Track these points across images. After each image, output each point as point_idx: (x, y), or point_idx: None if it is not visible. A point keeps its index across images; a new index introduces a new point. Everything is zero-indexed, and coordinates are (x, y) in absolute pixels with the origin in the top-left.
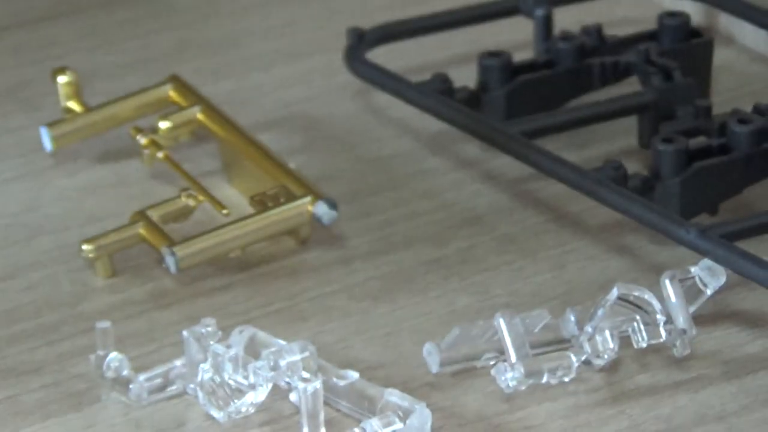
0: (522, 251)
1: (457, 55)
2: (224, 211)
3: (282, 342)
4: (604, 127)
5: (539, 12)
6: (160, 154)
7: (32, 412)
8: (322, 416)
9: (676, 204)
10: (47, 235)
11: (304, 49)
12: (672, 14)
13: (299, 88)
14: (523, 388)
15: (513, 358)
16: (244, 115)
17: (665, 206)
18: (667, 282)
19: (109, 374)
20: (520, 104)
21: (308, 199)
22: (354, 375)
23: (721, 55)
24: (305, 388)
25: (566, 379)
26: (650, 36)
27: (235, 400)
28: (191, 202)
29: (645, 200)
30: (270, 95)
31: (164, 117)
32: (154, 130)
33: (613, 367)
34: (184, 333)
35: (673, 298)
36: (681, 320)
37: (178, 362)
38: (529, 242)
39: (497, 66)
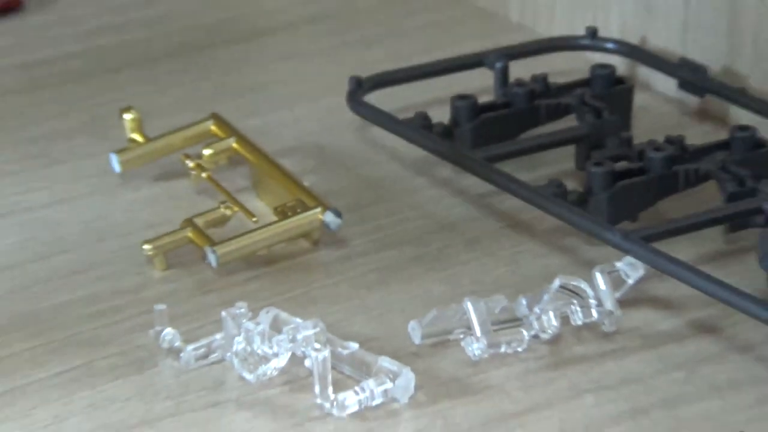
0: (485, 250)
1: (434, 98)
2: (253, 219)
3: (298, 320)
4: (549, 154)
5: (498, 65)
6: (204, 175)
7: (105, 374)
8: (330, 378)
9: (605, 213)
10: (116, 238)
11: (316, 93)
12: (602, 66)
13: (312, 124)
14: (486, 356)
15: (478, 332)
16: (269, 144)
17: (596, 215)
18: (598, 274)
19: (165, 345)
20: (484, 136)
21: (319, 209)
22: (354, 346)
23: (640, 98)
24: (317, 356)
25: (519, 350)
26: (585, 83)
27: (263, 366)
28: (228, 212)
29: (580, 210)
30: (289, 129)
31: (207, 146)
32: (200, 156)
33: (555, 340)
34: (223, 313)
35: (602, 287)
36: (609, 304)
37: (218, 336)
38: (490, 243)
39: (466, 106)
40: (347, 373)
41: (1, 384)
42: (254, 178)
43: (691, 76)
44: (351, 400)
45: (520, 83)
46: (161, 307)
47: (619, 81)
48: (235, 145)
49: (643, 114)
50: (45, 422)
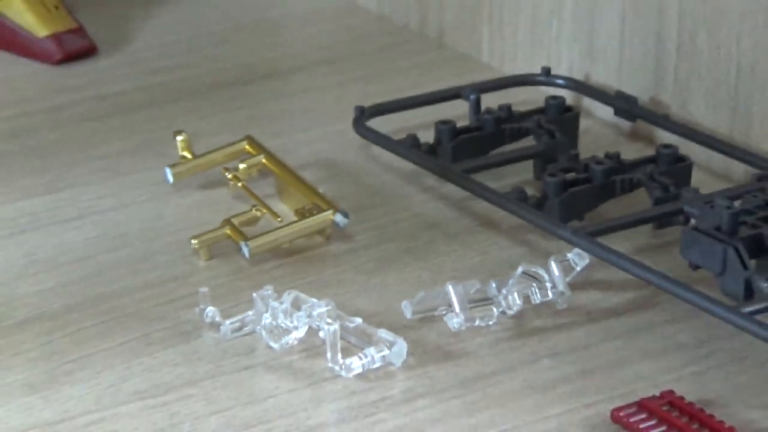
0: (463, 243)
1: (422, 123)
2: (278, 219)
3: (314, 300)
4: (513, 167)
5: (472, 96)
6: (239, 184)
7: (158, 344)
8: (339, 346)
9: (558, 214)
10: (169, 235)
11: (328, 119)
12: (554, 97)
13: (325, 143)
14: (464, 328)
15: (457, 309)
16: (291, 159)
17: (551, 216)
18: (553, 262)
19: (207, 320)
20: (461, 153)
21: (330, 211)
22: (359, 320)
23: (584, 123)
24: (328, 329)
25: (490, 323)
26: (540, 111)
27: (285, 336)
28: (258, 214)
29: (538, 212)
30: (307, 147)
31: (242, 161)
32: (236, 169)
33: (519, 315)
34: (254, 294)
35: (556, 273)
36: (561, 286)
37: (250, 312)
38: (467, 238)
39: (447, 129)
40: (353, 342)
41: (75, 352)
42: (279, 187)
43: (625, 105)
44: (356, 363)
45: (489, 111)
46: (204, 289)
47: (568, 109)
48: (264, 160)
49: (587, 135)
50: (110, 382)
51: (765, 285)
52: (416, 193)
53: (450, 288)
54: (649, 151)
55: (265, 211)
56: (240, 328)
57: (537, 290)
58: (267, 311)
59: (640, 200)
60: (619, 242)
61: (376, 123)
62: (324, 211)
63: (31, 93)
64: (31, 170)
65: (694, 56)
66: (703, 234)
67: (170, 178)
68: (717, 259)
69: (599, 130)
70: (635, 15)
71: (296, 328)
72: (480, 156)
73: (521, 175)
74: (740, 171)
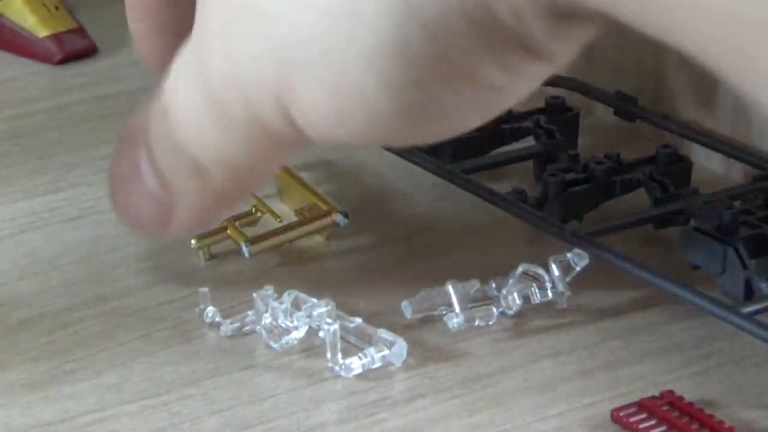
0: (461, 244)
1: None
2: (278, 220)
3: (314, 300)
4: (513, 167)
5: None
6: None
7: (160, 343)
8: (339, 346)
9: (557, 215)
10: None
11: None
12: (554, 98)
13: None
14: (463, 328)
15: (457, 309)
16: (291, 159)
17: (551, 216)
18: (552, 262)
19: (207, 320)
20: (461, 153)
21: (331, 211)
22: (358, 320)
23: (584, 123)
24: (328, 329)
25: (490, 323)
26: (540, 111)
27: (285, 336)
28: (258, 214)
29: (538, 213)
30: (308, 148)
31: None
32: None
33: (518, 315)
34: (254, 294)
35: (556, 273)
36: (561, 286)
37: (250, 313)
38: (466, 239)
39: None
40: (353, 342)
41: (76, 352)
42: (279, 187)
43: (625, 105)
44: (356, 364)
45: None
46: (204, 289)
47: (568, 109)
48: None
49: (587, 135)
50: (111, 382)
51: (765, 285)
52: (416, 193)
53: (450, 288)
54: (649, 151)
55: (265, 211)
56: (240, 329)
57: (537, 290)
58: (267, 311)
59: (639, 200)
60: (618, 242)
61: None
62: (324, 211)
63: (31, 93)
64: (31, 170)
65: None
66: (703, 234)
67: None
68: (717, 259)
69: (599, 130)
70: None
71: (296, 328)
72: (480, 156)
73: (521, 175)
74: (740, 171)
